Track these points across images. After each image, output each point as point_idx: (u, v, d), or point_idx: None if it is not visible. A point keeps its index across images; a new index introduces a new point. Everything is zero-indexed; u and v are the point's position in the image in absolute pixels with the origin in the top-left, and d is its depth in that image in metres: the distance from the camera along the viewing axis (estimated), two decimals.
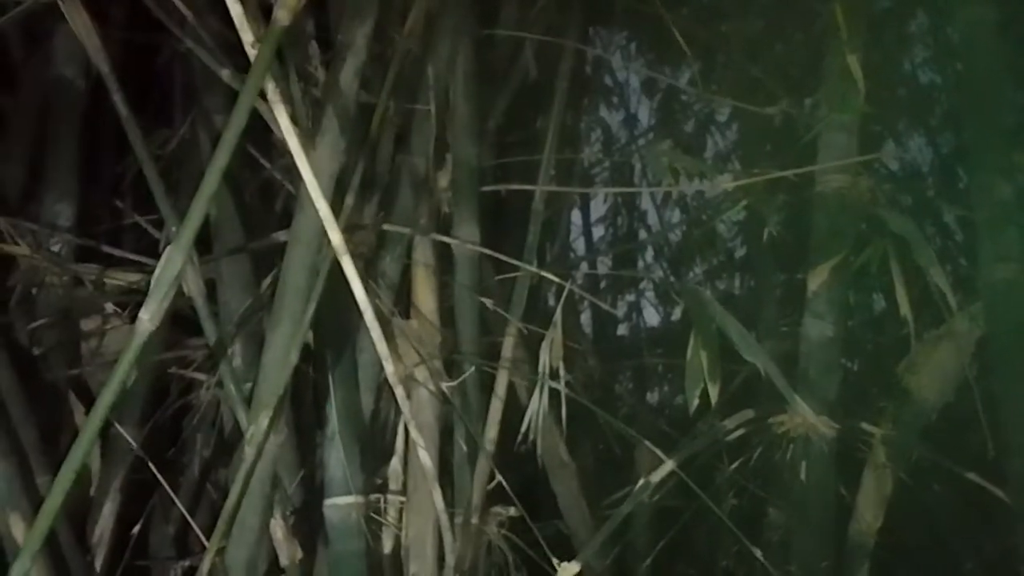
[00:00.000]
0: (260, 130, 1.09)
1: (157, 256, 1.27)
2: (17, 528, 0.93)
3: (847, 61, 1.07)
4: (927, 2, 1.37)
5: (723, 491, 1.17)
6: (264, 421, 0.86)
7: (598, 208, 1.84)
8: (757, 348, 1.04)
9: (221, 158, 0.66)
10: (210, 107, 1.19)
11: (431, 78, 1.18)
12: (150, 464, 1.00)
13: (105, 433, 1.15)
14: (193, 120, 1.24)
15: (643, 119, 1.77)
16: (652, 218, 1.82)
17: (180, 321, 1.21)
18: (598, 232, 1.83)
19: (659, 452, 0.96)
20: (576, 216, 1.80)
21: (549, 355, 1.07)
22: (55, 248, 1.20)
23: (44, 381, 1.18)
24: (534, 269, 1.16)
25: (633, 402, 1.59)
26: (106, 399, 0.62)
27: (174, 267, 0.64)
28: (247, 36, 0.70)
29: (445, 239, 1.16)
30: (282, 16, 0.70)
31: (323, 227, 0.89)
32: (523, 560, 1.05)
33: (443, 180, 1.23)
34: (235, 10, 0.69)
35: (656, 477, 0.94)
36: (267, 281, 1.12)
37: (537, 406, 1.07)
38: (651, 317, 1.81)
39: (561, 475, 1.21)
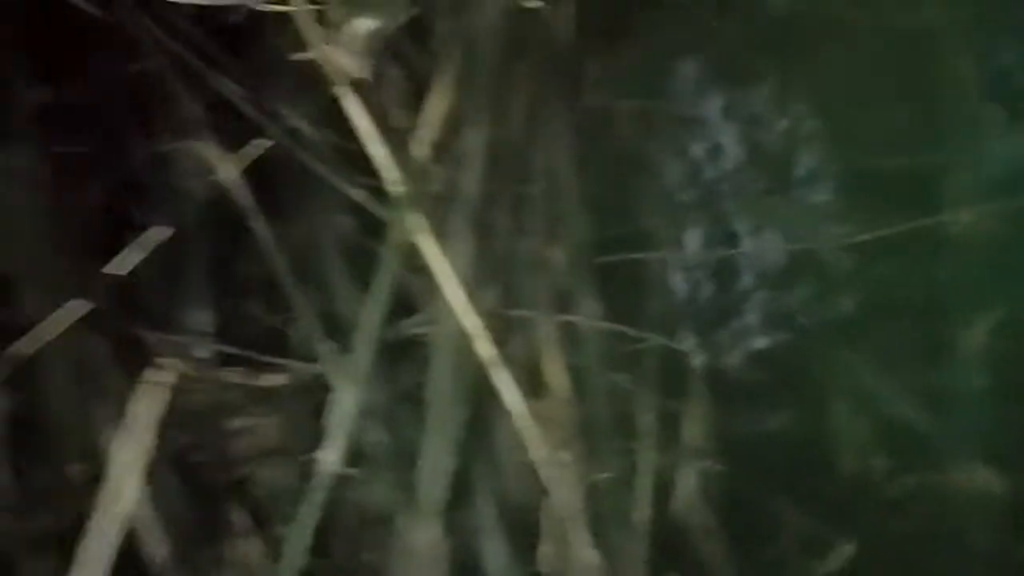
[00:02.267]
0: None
1: (287, 353, 1.35)
2: None
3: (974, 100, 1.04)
4: None
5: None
6: (432, 528, 0.88)
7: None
8: (912, 404, 1.01)
9: (379, 299, 0.69)
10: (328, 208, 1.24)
11: (537, 158, 1.20)
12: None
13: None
14: (311, 223, 1.28)
15: (739, 170, 1.74)
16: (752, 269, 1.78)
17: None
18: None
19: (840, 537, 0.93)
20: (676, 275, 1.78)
21: (692, 427, 1.06)
22: (200, 356, 1.26)
23: (202, 483, 1.24)
24: (663, 339, 1.16)
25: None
26: (301, 530, 0.63)
27: (348, 405, 0.66)
28: (391, 175, 0.73)
29: (568, 318, 1.17)
30: (421, 153, 0.73)
31: (466, 333, 0.92)
32: None
33: (557, 257, 1.25)
34: (378, 152, 0.72)
35: (835, 562, 0.92)
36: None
37: (684, 482, 1.06)
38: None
39: (710, 551, 1.19)
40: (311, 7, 0.64)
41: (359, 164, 1.12)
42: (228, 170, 0.93)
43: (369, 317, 0.68)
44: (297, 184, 1.24)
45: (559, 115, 1.18)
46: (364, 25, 0.56)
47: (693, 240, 1.72)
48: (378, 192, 0.99)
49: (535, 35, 1.03)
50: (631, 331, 1.15)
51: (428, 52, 1.00)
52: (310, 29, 0.67)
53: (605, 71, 1.30)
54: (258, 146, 0.64)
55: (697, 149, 1.76)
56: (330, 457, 0.66)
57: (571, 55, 1.20)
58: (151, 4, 0.90)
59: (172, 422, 1.25)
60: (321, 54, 0.67)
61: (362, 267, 1.24)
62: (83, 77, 1.05)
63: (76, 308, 0.66)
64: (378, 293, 0.68)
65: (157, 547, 1.05)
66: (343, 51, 0.62)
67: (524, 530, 1.13)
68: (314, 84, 1.04)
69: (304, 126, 0.96)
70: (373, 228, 1.29)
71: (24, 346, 0.73)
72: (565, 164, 1.19)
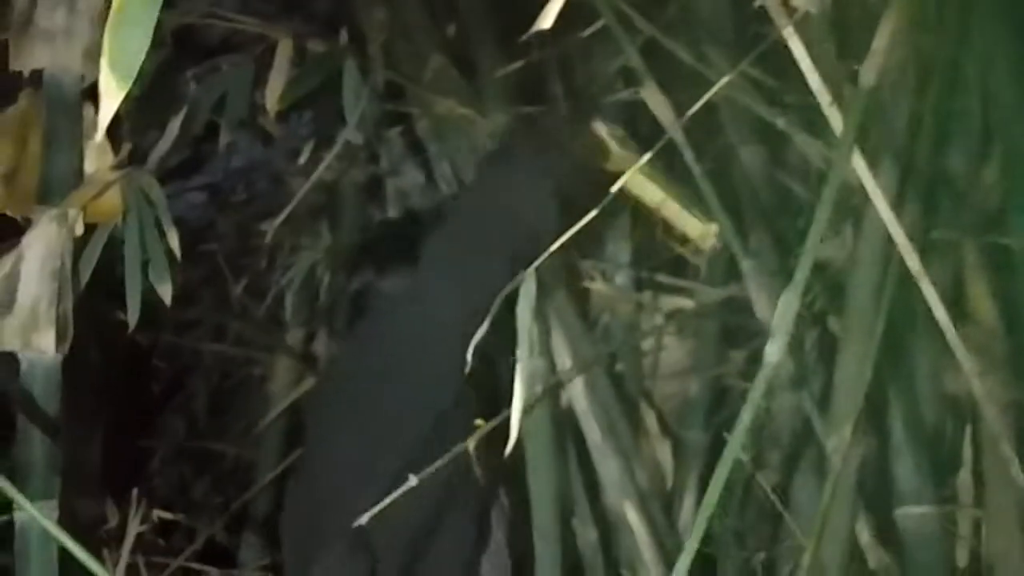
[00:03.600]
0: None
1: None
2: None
3: None
4: None
5: None
6: (846, 432, 0.93)
7: None
8: None
9: (824, 214, 0.74)
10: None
11: (969, 69, 1.13)
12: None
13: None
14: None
15: None
16: None
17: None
18: None
19: None
20: None
21: None
22: (619, 281, 1.45)
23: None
24: None
25: None
26: (744, 423, 0.72)
27: (791, 309, 0.73)
28: (825, 98, 0.78)
29: (1001, 240, 1.10)
30: (868, 79, 0.77)
31: (888, 246, 0.93)
32: None
33: (990, 175, 1.17)
34: (813, 79, 0.77)
35: None
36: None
37: None
38: None
39: None
40: None
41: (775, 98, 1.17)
42: (668, 113, 1.05)
43: (816, 230, 0.73)
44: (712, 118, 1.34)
45: (995, 21, 1.09)
46: None
47: None
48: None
49: None
50: None
51: None
52: None
53: None
54: (712, 89, 0.73)
55: None
56: (773, 350, 0.73)
57: None
58: None
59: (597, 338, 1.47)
60: None
61: (773, 195, 1.30)
62: (540, 42, 1.27)
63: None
64: (823, 210, 0.73)
65: (592, 432, 1.26)
66: None
67: (937, 454, 1.11)
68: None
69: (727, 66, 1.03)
70: (781, 159, 1.34)
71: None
72: (1002, 75, 1.10)
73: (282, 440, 1.62)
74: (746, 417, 0.71)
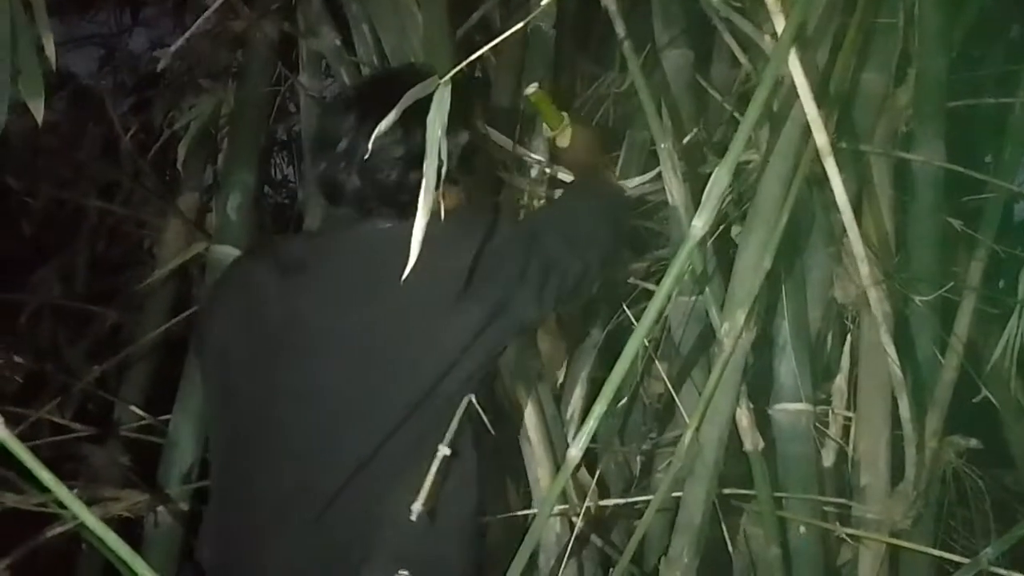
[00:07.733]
0: None
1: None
2: None
3: None
4: None
5: None
6: (740, 318, 0.94)
7: None
8: None
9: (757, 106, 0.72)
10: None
11: None
12: None
13: None
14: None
15: None
16: None
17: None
18: None
19: None
20: None
21: None
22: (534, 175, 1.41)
23: None
24: (1009, 186, 1.08)
25: None
26: (661, 296, 0.70)
27: (721, 185, 0.72)
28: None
29: (906, 156, 1.12)
30: None
31: (801, 140, 0.93)
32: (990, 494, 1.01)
33: (903, 97, 1.19)
34: None
35: None
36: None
37: (1015, 330, 1.00)
38: None
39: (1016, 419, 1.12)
40: None
41: None
42: None
43: (749, 118, 0.72)
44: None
45: None
46: None
47: None
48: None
49: None
50: (975, 175, 1.08)
51: None
52: None
53: None
54: None
55: None
56: (699, 222, 0.72)
57: None
58: None
59: None
60: None
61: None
62: None
63: None
64: (756, 103, 0.71)
65: None
66: None
67: (817, 358, 1.14)
68: None
69: None
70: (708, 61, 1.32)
71: None
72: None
73: (166, 306, 1.54)
74: (659, 298, 0.70)
